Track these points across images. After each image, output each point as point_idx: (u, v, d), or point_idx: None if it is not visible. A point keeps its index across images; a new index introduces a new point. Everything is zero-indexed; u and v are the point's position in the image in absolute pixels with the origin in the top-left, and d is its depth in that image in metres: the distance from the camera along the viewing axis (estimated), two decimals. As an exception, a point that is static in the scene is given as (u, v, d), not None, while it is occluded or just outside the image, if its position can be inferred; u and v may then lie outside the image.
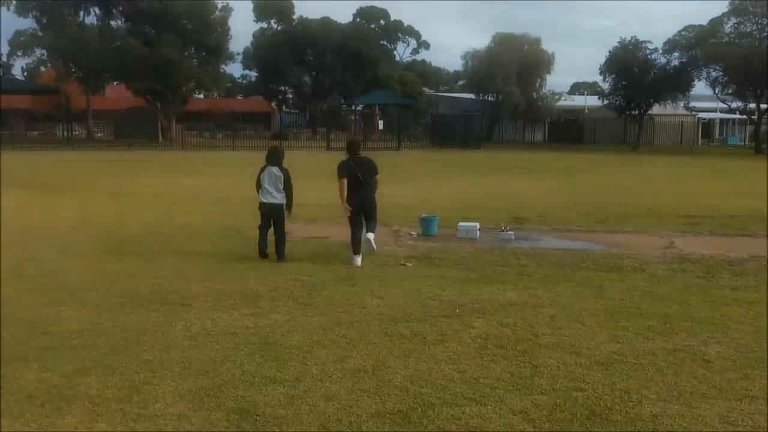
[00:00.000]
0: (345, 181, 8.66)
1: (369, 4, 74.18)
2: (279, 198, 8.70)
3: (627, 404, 4.25)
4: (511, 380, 4.62)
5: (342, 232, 10.98)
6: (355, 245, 8.62)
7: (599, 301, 6.73)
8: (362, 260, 8.52)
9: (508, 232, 10.72)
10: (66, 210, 13.06)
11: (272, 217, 8.70)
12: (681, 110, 49.31)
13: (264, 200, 8.72)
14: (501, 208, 13.95)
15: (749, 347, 5.39)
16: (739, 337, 5.64)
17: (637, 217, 12.91)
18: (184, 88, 45.01)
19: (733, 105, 47.24)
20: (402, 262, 8.60)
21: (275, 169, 8.71)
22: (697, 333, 5.75)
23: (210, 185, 18.57)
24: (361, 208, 8.76)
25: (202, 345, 5.29)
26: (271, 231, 8.78)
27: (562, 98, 56.37)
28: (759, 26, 42.50)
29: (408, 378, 4.63)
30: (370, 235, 8.68)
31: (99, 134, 48.93)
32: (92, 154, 33.22)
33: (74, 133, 43.59)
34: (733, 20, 43.32)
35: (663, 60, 45.59)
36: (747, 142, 51.78)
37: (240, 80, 78.99)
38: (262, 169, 8.79)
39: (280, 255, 8.67)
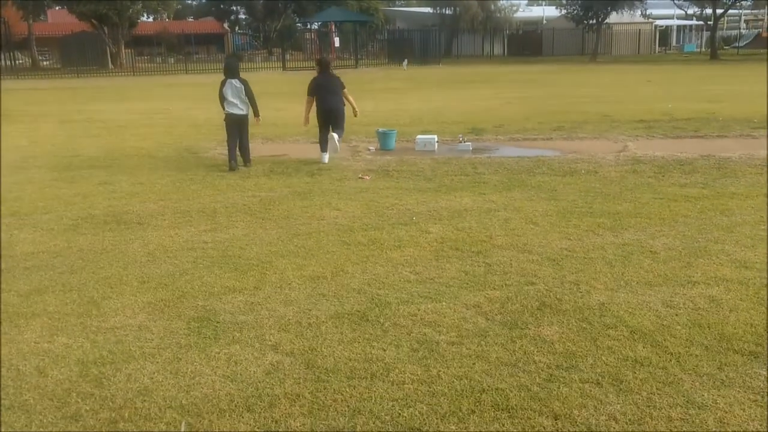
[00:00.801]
0: (311, 99, 9.69)
1: None
2: (244, 109, 9.20)
3: (576, 295, 4.41)
4: (466, 278, 4.75)
5: (299, 150, 10.93)
6: (323, 144, 9.62)
7: (552, 203, 6.88)
8: (328, 159, 9.60)
9: (466, 143, 10.77)
10: (14, 138, 12.68)
11: (238, 126, 9.17)
12: (638, 18, 49.10)
13: (229, 111, 9.14)
14: (459, 121, 13.96)
15: (694, 238, 5.60)
16: (684, 230, 5.84)
17: (593, 124, 13.05)
18: (130, 10, 43.16)
19: (690, 11, 47.15)
20: (360, 175, 8.62)
21: (235, 81, 9.12)
22: (646, 227, 5.95)
23: (163, 109, 18.14)
24: (329, 116, 9.62)
25: (161, 260, 5.30)
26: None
27: (520, 9, 55.69)
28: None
29: (365, 282, 4.73)
30: (335, 135, 9.43)
31: (45, 62, 47.00)
32: (39, 83, 32.02)
33: (18, 61, 41.83)
34: None
35: (621, -33, 45.02)
36: (703, 49, 52.11)
37: (189, 1, 76.12)
38: (223, 83, 9.17)
39: (247, 160, 9.30)
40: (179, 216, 6.67)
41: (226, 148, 9.37)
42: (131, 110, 18.03)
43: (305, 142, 11.74)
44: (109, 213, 6.82)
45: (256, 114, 9.40)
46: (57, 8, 51.38)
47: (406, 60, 23.29)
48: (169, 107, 18.53)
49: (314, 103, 9.63)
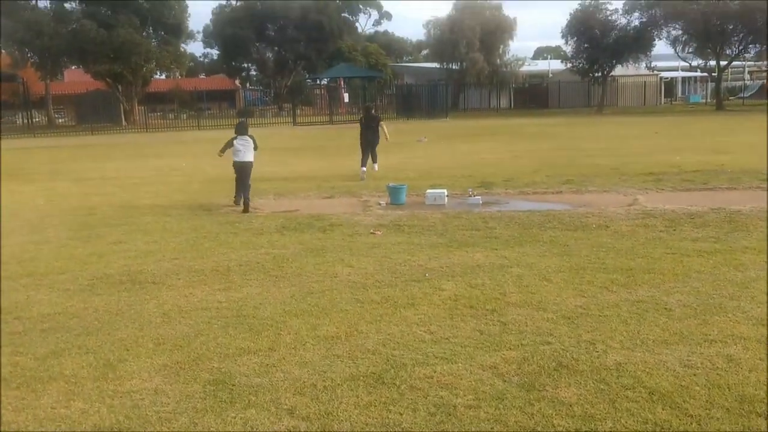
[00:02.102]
0: (360, 126, 15.14)
1: (329, -25, 73.21)
2: (248, 157, 10.93)
3: (592, 354, 4.39)
4: (481, 338, 4.74)
5: (310, 205, 11.03)
6: (362, 162, 14.39)
7: (565, 259, 6.89)
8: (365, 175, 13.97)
9: (476, 197, 10.84)
10: (31, 196, 12.87)
11: (243, 171, 10.86)
12: (643, 70, 49.79)
13: (236, 159, 10.90)
14: (468, 174, 14.08)
15: (709, 294, 5.58)
16: (699, 286, 5.83)
17: (602, 177, 13.12)
18: (144, 69, 44.22)
19: (694, 63, 47.79)
20: (371, 231, 8.67)
21: (243, 138, 10.98)
22: (660, 284, 5.93)
23: (176, 165, 18.40)
24: (368, 145, 14.68)
25: (176, 321, 5.32)
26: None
27: (526, 63, 56.56)
28: (715, -16, 42.98)
29: (380, 342, 4.72)
30: (376, 165, 14.71)
31: (60, 120, 47.96)
32: (54, 140, 32.61)
33: (35, 120, 42.69)
34: (691, -21, 43.70)
35: (623, 21, 45.90)
36: (708, 100, 52.57)
37: (201, 59, 77.72)
38: (233, 138, 11.03)
39: (246, 204, 10.60)
40: (193, 275, 6.71)
41: (236, 197, 11.04)
42: (145, 167, 18.29)
43: (316, 197, 11.86)
44: (124, 272, 6.87)
45: (255, 148, 11.17)
46: (73, 68, 52.63)
47: (425, 137, 23.83)
48: (182, 163, 18.79)
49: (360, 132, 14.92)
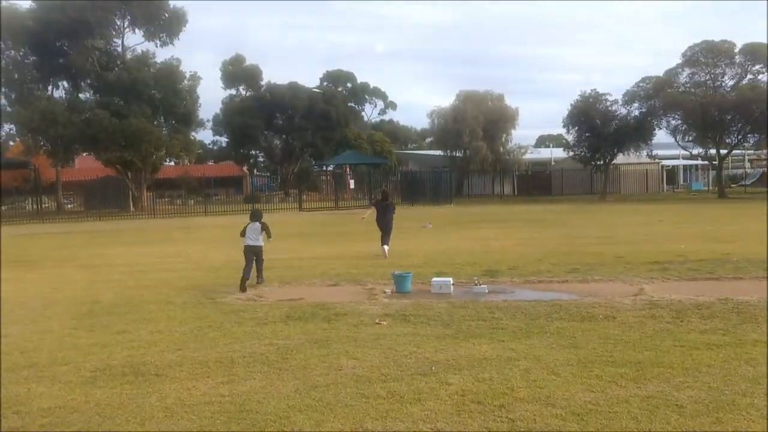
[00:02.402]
0: (374, 209, 16.90)
1: (336, 67, 75.83)
2: (259, 241, 11.97)
3: (603, 453, 4.28)
4: (489, 435, 4.64)
5: (315, 293, 11.00)
6: (382, 242, 15.80)
7: (573, 352, 6.81)
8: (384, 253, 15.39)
9: (482, 286, 10.82)
10: (36, 284, 12.89)
11: (255, 255, 11.81)
12: (644, 158, 50.60)
13: (248, 244, 11.84)
14: (473, 262, 14.09)
15: (720, 390, 5.48)
16: (710, 381, 5.73)
17: (607, 266, 13.11)
18: (154, 156, 45.10)
19: (694, 151, 48.58)
20: (377, 321, 8.62)
21: (257, 224, 12.04)
22: (669, 378, 5.84)
23: (182, 252, 18.48)
24: (383, 227, 16.07)
25: (178, 416, 5.23)
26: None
27: (529, 151, 57.61)
28: (711, 76, 44.26)
29: (386, 439, 4.62)
30: (385, 247, 15.59)
31: (69, 206, 48.58)
32: (62, 226, 32.92)
33: (44, 205, 43.24)
34: (687, 71, 45.07)
35: (624, 111, 46.98)
36: (710, 187, 53.11)
37: (210, 146, 79.44)
38: (247, 225, 12.10)
39: (259, 278, 11.84)
40: (197, 366, 6.64)
41: (242, 283, 11.43)
42: (151, 253, 18.38)
43: (321, 285, 11.86)
44: (127, 364, 6.81)
45: (269, 236, 12.23)
46: (84, 155, 53.74)
47: (429, 223, 24.13)
48: (188, 250, 18.88)
49: (376, 213, 16.43)
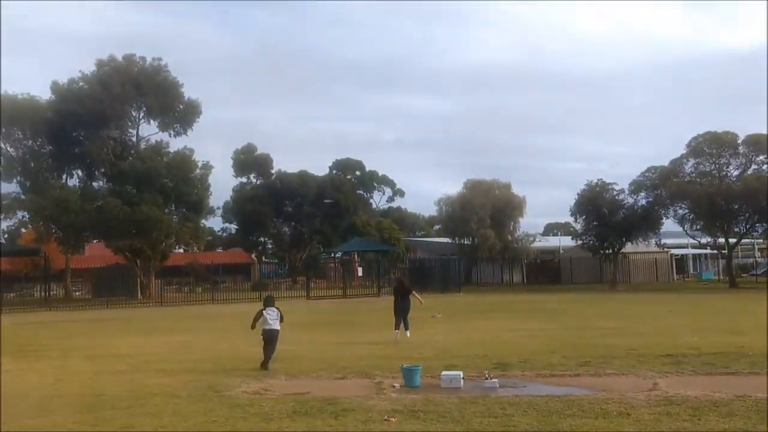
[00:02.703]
0: (394, 295, 17.90)
1: (345, 156, 77.33)
2: (276, 325, 12.83)
3: None
4: None
5: (322, 386, 10.80)
6: (396, 326, 16.62)
7: (587, 452, 6.60)
8: (398, 338, 16.28)
9: (492, 380, 10.61)
10: (40, 375, 12.74)
11: (271, 338, 12.68)
12: (653, 247, 50.52)
13: (265, 328, 12.76)
14: (484, 354, 13.88)
15: (742, 495, 5.27)
16: (731, 485, 5.53)
17: (620, 359, 12.88)
18: (164, 244, 45.42)
19: (703, 240, 48.57)
20: (386, 417, 8.42)
21: (271, 309, 12.97)
22: (689, 482, 5.63)
23: (188, 342, 18.31)
24: (400, 310, 16.92)
25: None
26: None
27: (537, 239, 57.71)
28: (716, 166, 44.81)
29: None
30: (408, 332, 16.65)
31: (77, 293, 48.56)
32: (70, 314, 32.81)
33: (52, 293, 43.23)
34: (692, 161, 45.68)
35: (631, 200, 47.32)
36: (721, 276, 52.70)
37: (220, 233, 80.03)
38: (261, 310, 12.98)
39: (266, 365, 12.44)
40: (201, 465, 6.46)
41: (264, 363, 12.49)
42: (157, 343, 18.22)
43: (328, 378, 11.66)
44: (130, 462, 6.64)
45: (281, 321, 13.06)
46: (95, 242, 54.15)
47: (438, 314, 24.14)
48: (194, 340, 18.71)
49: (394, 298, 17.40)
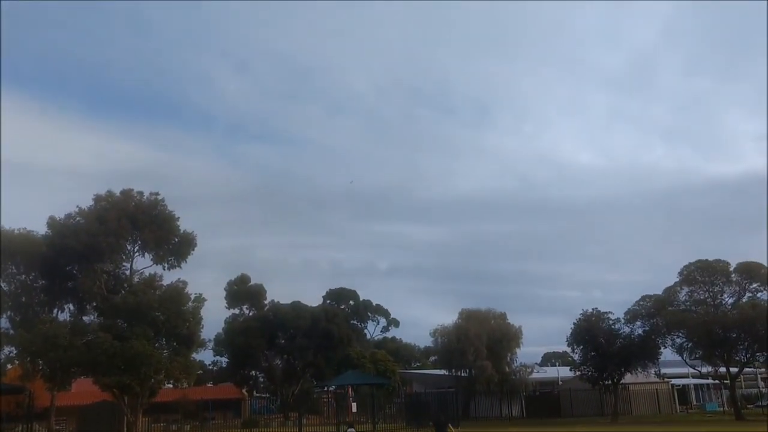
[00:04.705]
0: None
1: (338, 285, 77.25)
2: None
3: None
4: None
5: None
6: None
7: None
8: None
9: None
10: None
11: None
12: (653, 378, 49.53)
13: None
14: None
15: None
16: None
17: None
18: (153, 380, 44.18)
19: (704, 370, 47.74)
20: None
21: None
22: None
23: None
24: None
25: None
26: None
27: (535, 370, 56.60)
28: (710, 294, 44.87)
29: None
30: None
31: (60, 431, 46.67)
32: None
33: (35, 431, 41.52)
34: (686, 289, 45.76)
35: (627, 329, 46.93)
36: (726, 408, 51.25)
37: (211, 367, 78.19)
38: None
39: None
40: None
41: None
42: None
43: None
44: None
45: None
46: (82, 378, 52.71)
47: None
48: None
49: None
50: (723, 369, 45.59)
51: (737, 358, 45.68)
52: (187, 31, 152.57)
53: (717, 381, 49.31)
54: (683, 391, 58.00)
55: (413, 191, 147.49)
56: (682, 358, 46.97)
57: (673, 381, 54.48)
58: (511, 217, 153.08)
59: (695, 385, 59.01)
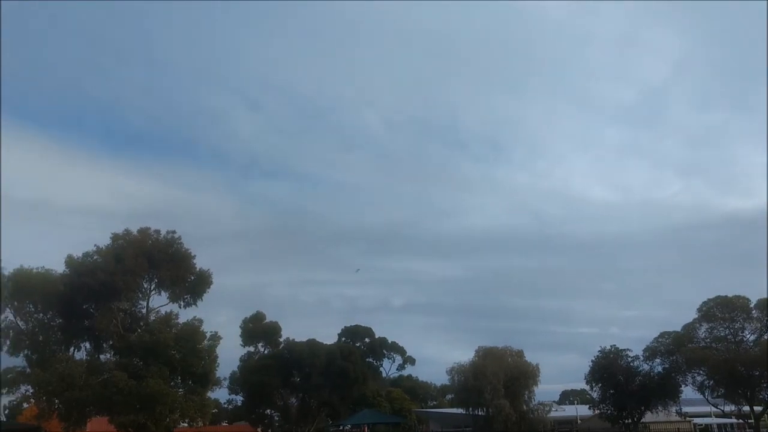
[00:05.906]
0: None
1: (354, 323, 76.90)
2: None
3: None
4: None
5: None
6: None
7: None
8: None
9: None
10: None
11: None
12: (674, 416, 48.61)
13: None
14: None
15: None
16: None
17: None
18: (168, 419, 43.95)
19: (726, 408, 46.79)
20: None
21: None
22: None
23: None
24: None
25: None
26: None
27: (553, 409, 55.71)
28: (731, 330, 44.21)
29: None
30: None
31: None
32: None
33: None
34: (705, 325, 45.14)
35: (646, 367, 46.26)
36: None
37: (225, 405, 77.66)
38: None
39: None
40: None
41: None
42: None
43: None
44: None
45: None
46: (97, 416, 52.54)
47: None
48: None
49: None
50: (746, 408, 44.62)
51: (761, 396, 44.76)
52: (199, 70, 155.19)
53: (741, 420, 48.20)
54: (706, 430, 56.83)
55: (426, 227, 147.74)
56: (704, 396, 46.14)
57: (695, 420, 53.40)
58: (524, 253, 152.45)
59: (718, 425, 57.77)
